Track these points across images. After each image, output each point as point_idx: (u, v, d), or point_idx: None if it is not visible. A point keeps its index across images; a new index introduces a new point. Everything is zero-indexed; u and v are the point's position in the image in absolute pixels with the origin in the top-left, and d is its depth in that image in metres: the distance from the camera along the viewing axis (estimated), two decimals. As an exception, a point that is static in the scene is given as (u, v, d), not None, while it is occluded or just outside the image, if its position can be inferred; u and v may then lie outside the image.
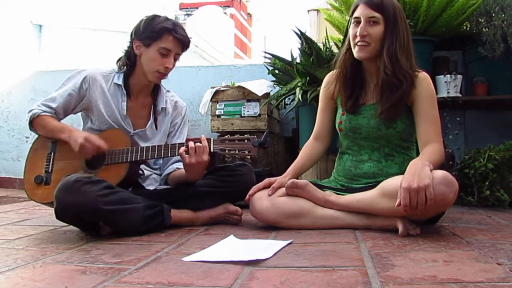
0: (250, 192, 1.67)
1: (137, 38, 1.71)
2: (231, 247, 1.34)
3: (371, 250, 1.25)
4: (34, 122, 1.74)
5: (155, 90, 1.85)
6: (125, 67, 1.78)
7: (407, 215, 1.42)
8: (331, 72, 1.76)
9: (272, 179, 1.70)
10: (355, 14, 1.58)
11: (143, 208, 1.56)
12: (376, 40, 1.55)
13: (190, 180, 1.71)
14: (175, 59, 1.74)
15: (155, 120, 1.82)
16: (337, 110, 1.76)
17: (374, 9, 1.54)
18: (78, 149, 1.62)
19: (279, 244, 1.32)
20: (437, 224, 1.61)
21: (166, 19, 1.72)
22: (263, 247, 1.29)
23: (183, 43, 1.72)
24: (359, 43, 1.56)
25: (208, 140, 1.60)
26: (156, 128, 1.83)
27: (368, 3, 1.54)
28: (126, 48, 1.78)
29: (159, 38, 1.67)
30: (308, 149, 1.79)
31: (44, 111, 1.72)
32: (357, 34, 1.55)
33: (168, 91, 1.92)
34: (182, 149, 1.58)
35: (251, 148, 1.57)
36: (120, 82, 1.77)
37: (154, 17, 1.71)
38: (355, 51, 1.59)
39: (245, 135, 1.60)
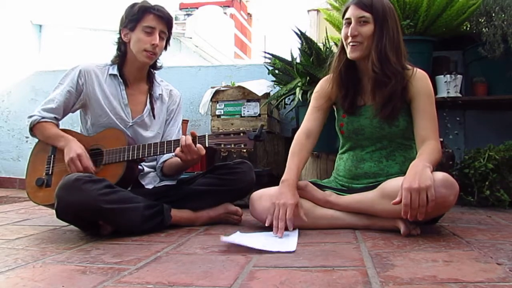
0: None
1: (122, 26, 1.78)
2: (257, 238, 1.40)
3: (371, 250, 1.25)
4: (34, 128, 1.76)
5: (150, 78, 1.88)
6: (118, 58, 1.83)
7: (407, 217, 1.42)
8: (326, 77, 1.76)
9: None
10: (346, 16, 1.60)
11: (143, 207, 1.57)
12: (367, 39, 1.57)
13: (187, 166, 1.76)
14: (162, 37, 1.78)
15: (152, 107, 1.86)
16: (329, 110, 1.75)
17: (364, 9, 1.56)
18: (67, 161, 1.62)
19: (292, 234, 1.45)
20: (437, 224, 1.61)
21: (145, 1, 1.78)
22: (284, 239, 1.40)
23: (164, 18, 1.77)
24: (351, 43, 1.58)
25: (202, 137, 1.60)
26: (154, 116, 1.86)
27: (358, 4, 1.57)
28: (116, 41, 1.83)
29: (141, 18, 1.74)
30: (305, 152, 1.67)
31: (44, 117, 1.75)
32: (348, 34, 1.58)
33: (162, 80, 1.96)
34: (178, 150, 1.60)
35: (247, 142, 1.56)
36: (116, 72, 1.81)
37: (133, 4, 1.78)
38: (348, 52, 1.60)
39: (240, 129, 1.59)
